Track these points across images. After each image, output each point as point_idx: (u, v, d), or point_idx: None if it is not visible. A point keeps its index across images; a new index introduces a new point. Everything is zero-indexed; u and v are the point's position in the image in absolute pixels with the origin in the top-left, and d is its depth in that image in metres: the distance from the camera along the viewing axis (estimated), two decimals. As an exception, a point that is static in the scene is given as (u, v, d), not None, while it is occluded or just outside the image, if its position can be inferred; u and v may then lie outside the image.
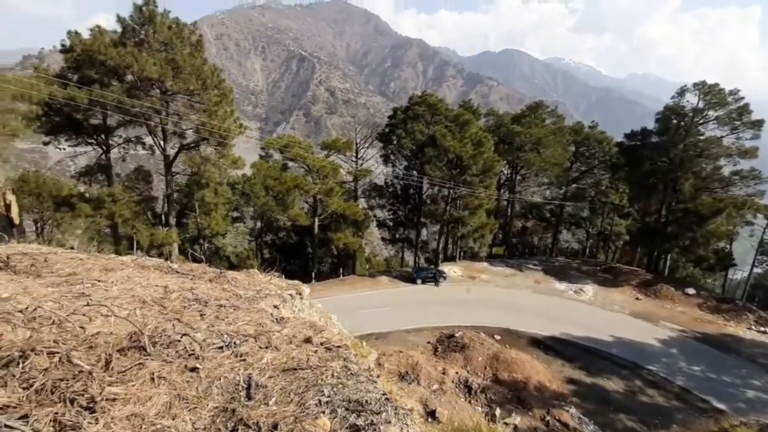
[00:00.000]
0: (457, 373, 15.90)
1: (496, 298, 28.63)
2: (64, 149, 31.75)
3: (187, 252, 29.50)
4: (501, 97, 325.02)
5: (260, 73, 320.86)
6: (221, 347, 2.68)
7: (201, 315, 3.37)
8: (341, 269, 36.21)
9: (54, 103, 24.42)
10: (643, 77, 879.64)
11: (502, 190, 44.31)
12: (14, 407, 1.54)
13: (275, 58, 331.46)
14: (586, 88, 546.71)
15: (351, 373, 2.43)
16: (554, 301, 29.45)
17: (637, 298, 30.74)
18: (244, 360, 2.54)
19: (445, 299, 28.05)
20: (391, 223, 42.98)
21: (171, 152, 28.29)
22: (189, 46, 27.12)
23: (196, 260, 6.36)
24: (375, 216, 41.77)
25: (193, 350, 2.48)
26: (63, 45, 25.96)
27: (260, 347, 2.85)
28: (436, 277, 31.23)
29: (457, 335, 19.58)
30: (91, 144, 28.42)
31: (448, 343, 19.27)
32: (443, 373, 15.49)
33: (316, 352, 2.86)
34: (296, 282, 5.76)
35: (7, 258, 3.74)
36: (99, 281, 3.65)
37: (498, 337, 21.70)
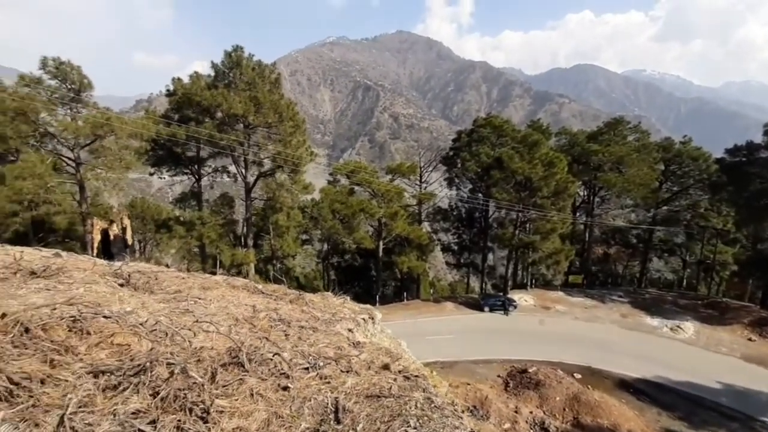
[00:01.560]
0: (531, 412, 14.65)
1: (574, 332, 26.20)
2: (165, 178, 36.48)
3: (262, 271, 31.61)
4: (573, 115, 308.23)
5: (328, 104, 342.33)
6: (307, 368, 2.79)
7: (285, 335, 3.56)
8: (405, 293, 36.03)
9: (159, 139, 28.35)
10: (744, 85, 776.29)
11: (577, 213, 41.26)
12: (144, 413, 1.76)
13: (342, 89, 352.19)
14: (674, 100, 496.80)
15: (435, 406, 2.38)
16: (645, 338, 26.12)
17: (750, 339, 26.10)
18: (329, 383, 2.61)
19: (515, 330, 26.36)
20: (455, 247, 42.07)
21: (251, 179, 31.06)
22: (269, 84, 30.09)
23: (276, 281, 6.78)
24: (439, 240, 41.25)
25: (283, 369, 2.62)
26: (168, 89, 30.49)
27: (342, 371, 2.92)
28: (505, 306, 29.61)
29: (530, 370, 18.16)
30: (186, 173, 32.36)
31: (520, 379, 17.93)
32: (516, 412, 14.37)
33: (395, 380, 2.85)
34: (368, 306, 5.85)
35: (128, 276, 4.33)
36: (199, 299, 4.05)
37: (578, 376, 19.68)
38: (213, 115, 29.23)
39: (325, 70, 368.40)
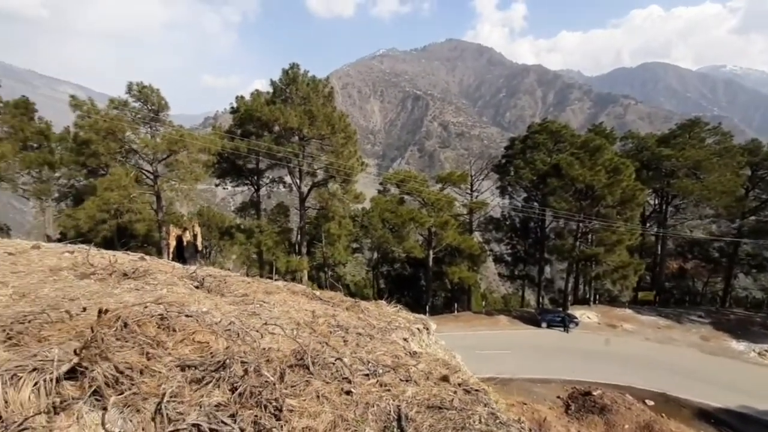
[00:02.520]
0: (595, 438, 13.52)
1: (645, 354, 23.89)
2: (228, 189, 39.23)
3: (314, 278, 32.66)
4: (640, 117, 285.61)
5: (378, 114, 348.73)
6: (367, 374, 2.83)
7: (344, 341, 3.64)
8: (455, 304, 35.23)
9: (224, 153, 30.62)
10: None
11: (648, 224, 37.90)
12: (225, 406, 1.90)
13: (392, 99, 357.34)
14: (760, 97, 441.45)
15: (500, 422, 2.30)
16: (729, 364, 23.15)
17: None
18: (389, 390, 2.63)
19: (577, 348, 24.61)
20: (509, 258, 40.44)
21: (305, 189, 32.42)
22: (322, 98, 31.45)
23: (332, 288, 6.97)
24: (491, 250, 39.96)
25: (344, 374, 2.68)
26: (232, 107, 33.02)
27: (400, 380, 2.92)
28: (565, 322, 27.81)
29: (595, 393, 16.81)
30: (247, 184, 34.58)
31: (583, 402, 16.66)
32: (578, 436, 13.35)
33: (455, 392, 2.80)
34: (422, 316, 5.82)
35: (202, 279, 4.70)
36: (264, 303, 4.29)
37: (651, 403, 17.86)
38: (271, 129, 31.07)
39: (375, 82, 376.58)
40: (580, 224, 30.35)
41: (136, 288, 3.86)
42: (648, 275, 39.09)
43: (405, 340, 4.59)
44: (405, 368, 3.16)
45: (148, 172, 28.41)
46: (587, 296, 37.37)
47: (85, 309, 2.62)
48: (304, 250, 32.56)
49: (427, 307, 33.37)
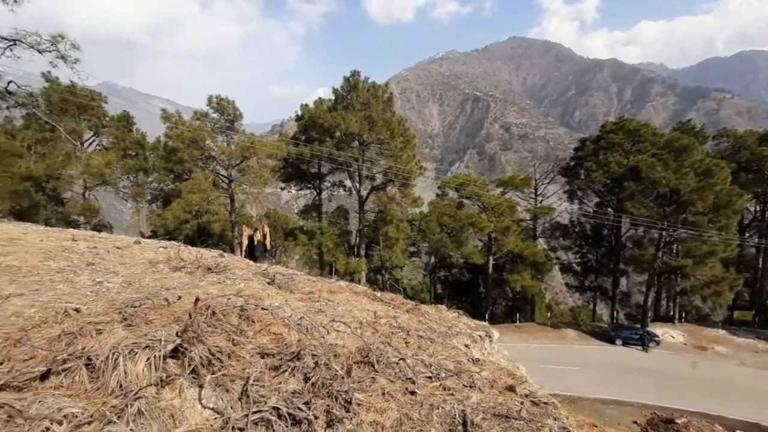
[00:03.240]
0: (680, 472, 12.05)
1: (740, 381, 20.83)
2: (292, 192, 41.47)
3: (371, 280, 33.21)
4: (738, 112, 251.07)
5: (437, 118, 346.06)
6: (430, 377, 2.84)
7: (406, 342, 3.68)
8: (517, 314, 33.64)
9: (289, 158, 32.47)
10: None
11: (747, 233, 33.12)
12: (300, 394, 2.04)
13: (451, 102, 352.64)
14: None
15: (573, 438, 2.18)
16: None
17: None
18: (453, 394, 2.62)
19: (657, 370, 22.18)
20: (578, 268, 37.63)
21: (364, 193, 33.20)
22: (381, 103, 32.08)
23: (393, 290, 7.07)
24: (558, 258, 37.55)
25: (408, 375, 2.72)
26: (296, 115, 34.97)
27: (464, 385, 2.89)
28: (643, 340, 25.23)
29: (678, 421, 15.03)
30: (309, 188, 36.32)
31: (664, 430, 14.97)
32: (658, 467, 12.01)
33: (522, 403, 2.70)
34: (484, 323, 5.67)
35: (273, 276, 5.05)
36: (329, 301, 4.48)
37: (747, 437, 15.55)
38: (333, 135, 32.34)
39: (434, 86, 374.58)
40: (664, 232, 27.35)
41: (218, 281, 4.26)
42: (746, 292, 34.06)
43: (466, 346, 4.51)
44: (468, 374, 3.11)
45: (224, 176, 31.05)
46: (671, 313, 33.47)
47: (180, 297, 2.96)
48: (362, 252, 33.31)
49: (487, 315, 32.27)
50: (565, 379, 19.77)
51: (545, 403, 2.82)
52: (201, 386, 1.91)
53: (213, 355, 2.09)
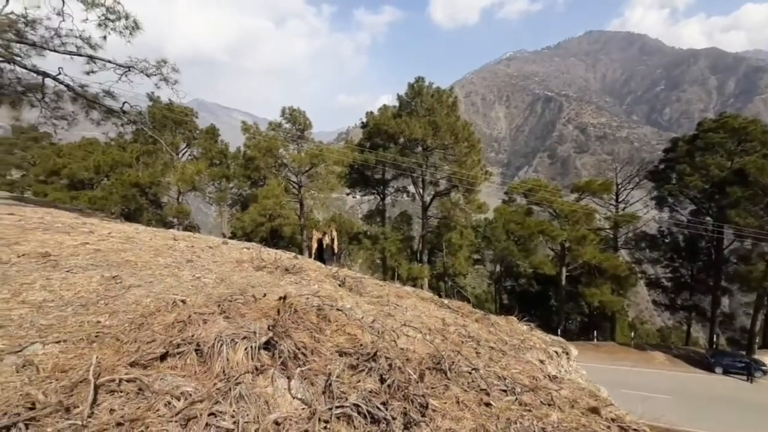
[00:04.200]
0: None
1: None
2: (356, 197, 42.73)
3: (434, 287, 32.86)
4: None
5: (503, 121, 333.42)
6: (504, 390, 2.75)
7: (476, 353, 3.60)
8: (594, 332, 30.93)
9: (354, 164, 33.57)
10: None
11: None
12: (376, 394, 2.11)
13: (519, 104, 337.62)
14: None
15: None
16: None
17: None
18: (530, 411, 2.51)
19: (764, 404, 18.93)
20: (668, 284, 33.44)
21: (427, 199, 33.12)
22: (446, 108, 31.86)
23: (462, 298, 6.96)
24: (643, 272, 33.83)
25: (481, 386, 2.66)
26: (362, 122, 36.08)
27: (541, 402, 2.75)
28: (749, 369, 21.75)
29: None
30: (373, 193, 37.18)
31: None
32: None
33: (609, 427, 2.49)
34: (561, 339, 5.33)
35: (344, 279, 5.25)
36: (397, 305, 4.55)
37: None
38: (397, 141, 32.81)
39: (500, 87, 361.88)
40: (779, 246, 23.39)
41: (295, 282, 4.55)
42: None
43: (541, 362, 4.28)
44: (545, 391, 2.95)
45: (294, 182, 33.05)
46: (789, 341, 28.37)
47: (265, 295, 3.23)
48: (425, 258, 33.17)
49: (559, 331, 30.11)
50: (653, 408, 17.68)
51: (635, 430, 2.57)
52: (289, 378, 2.07)
53: (299, 349, 2.25)
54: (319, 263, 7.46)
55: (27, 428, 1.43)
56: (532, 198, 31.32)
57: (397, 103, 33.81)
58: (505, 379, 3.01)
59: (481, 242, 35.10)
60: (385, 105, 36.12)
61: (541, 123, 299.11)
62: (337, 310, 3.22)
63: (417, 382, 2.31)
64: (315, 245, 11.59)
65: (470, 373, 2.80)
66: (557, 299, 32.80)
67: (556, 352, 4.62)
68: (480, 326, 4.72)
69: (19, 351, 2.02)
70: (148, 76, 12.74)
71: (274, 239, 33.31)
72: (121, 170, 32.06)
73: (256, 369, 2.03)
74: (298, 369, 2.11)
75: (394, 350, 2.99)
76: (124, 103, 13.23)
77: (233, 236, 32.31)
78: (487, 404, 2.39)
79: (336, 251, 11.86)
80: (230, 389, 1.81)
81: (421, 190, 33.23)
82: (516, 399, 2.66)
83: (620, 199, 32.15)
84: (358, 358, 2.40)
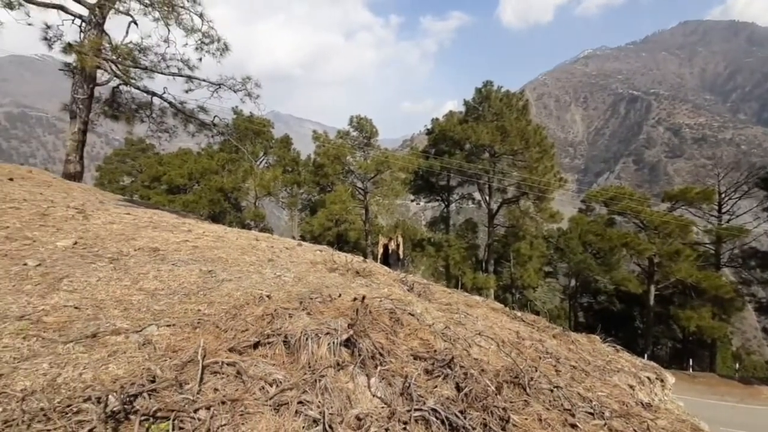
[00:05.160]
0: None
1: None
2: (420, 204, 42.62)
3: (500, 298, 31.44)
4: None
5: (580, 124, 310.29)
6: (591, 413, 2.54)
7: (556, 371, 3.37)
8: (690, 360, 27.15)
9: (419, 171, 33.64)
10: None
11: None
12: (453, 402, 2.07)
13: (598, 105, 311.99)
14: None
15: None
16: None
17: None
18: (622, 439, 2.28)
19: None
20: (784, 309, 28.37)
21: (494, 206, 31.97)
22: (515, 112, 30.64)
23: (535, 312, 6.59)
24: (753, 295, 28.98)
25: (564, 405, 2.48)
26: (427, 129, 36.10)
27: (635, 430, 2.48)
28: None
29: None
30: (437, 200, 36.90)
31: None
32: None
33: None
34: (654, 364, 4.79)
35: (412, 284, 5.27)
36: (467, 314, 4.44)
37: None
38: (462, 147, 32.26)
39: (576, 88, 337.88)
40: None
41: (366, 284, 4.67)
42: None
43: (631, 387, 3.87)
44: (639, 419, 2.66)
45: (360, 188, 34.03)
46: None
47: (340, 295, 3.36)
48: (491, 268, 31.96)
49: (646, 356, 26.93)
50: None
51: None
52: (368, 376, 2.13)
53: (376, 349, 2.31)
54: (386, 268, 7.57)
55: (150, 397, 1.66)
56: (614, 207, 28.53)
57: (463, 109, 33.33)
58: (590, 401, 2.78)
59: (554, 254, 32.86)
60: (450, 111, 35.83)
61: (624, 125, 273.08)
62: (409, 314, 3.24)
63: (495, 394, 2.22)
64: (381, 250, 11.79)
65: (551, 391, 2.62)
66: (644, 321, 29.34)
67: (648, 378, 4.15)
68: (558, 343, 4.41)
69: (140, 331, 2.34)
70: (234, 91, 14.05)
71: (339, 243, 34.52)
72: (209, 177, 35.71)
73: (338, 364, 2.12)
74: (378, 368, 2.16)
75: (468, 359, 2.92)
76: (214, 116, 14.74)
77: (302, 239, 34.17)
78: (573, 425, 2.22)
79: (401, 257, 11.94)
80: (316, 381, 1.91)
81: (487, 198, 32.18)
82: (605, 424, 2.44)
83: (723, 210, 27.95)
84: (433, 364, 2.38)
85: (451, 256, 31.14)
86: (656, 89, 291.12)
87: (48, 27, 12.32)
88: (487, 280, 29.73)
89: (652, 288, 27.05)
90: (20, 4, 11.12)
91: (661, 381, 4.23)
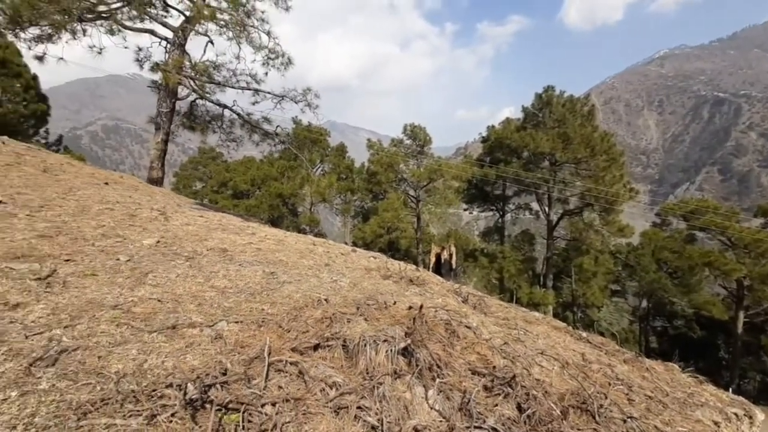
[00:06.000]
0: None
1: None
2: (473, 213, 41.63)
3: (559, 316, 29.52)
4: None
5: (654, 129, 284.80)
6: (672, 452, 2.27)
7: (628, 399, 3.08)
8: (787, 399, 23.46)
9: (473, 179, 32.94)
10: None
11: None
12: (515, 423, 1.97)
13: (676, 109, 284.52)
14: None
15: None
16: None
17: None
18: (712, 486, 2.01)
19: None
20: None
21: (554, 218, 30.28)
22: (580, 118, 28.96)
23: (601, 333, 6.11)
24: None
25: (641, 440, 2.25)
26: (482, 136, 35.28)
27: (727, 478, 2.18)
28: None
29: None
30: (492, 209, 35.81)
31: None
32: None
33: None
34: (742, 399, 4.21)
35: (467, 296, 5.13)
36: (527, 331, 4.22)
37: None
38: (520, 155, 31.07)
39: (650, 91, 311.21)
40: None
41: (419, 293, 4.63)
42: None
43: (716, 423, 3.42)
44: (731, 464, 2.34)
45: (413, 197, 34.04)
46: None
47: (395, 303, 3.36)
48: (549, 283, 30.20)
49: (731, 389, 23.69)
50: None
51: None
52: (426, 387, 2.10)
53: (434, 360, 2.27)
54: (439, 278, 7.47)
55: (222, 389, 1.78)
56: (694, 222, 25.64)
57: (520, 116, 32.16)
58: (671, 438, 2.49)
59: (622, 271, 30.24)
60: (507, 118, 34.74)
61: (708, 130, 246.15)
62: (466, 327, 3.15)
63: (561, 419, 2.08)
64: (433, 259, 11.66)
65: (624, 421, 2.39)
66: (729, 351, 25.86)
67: (736, 415, 3.64)
68: (630, 369, 4.03)
69: (212, 325, 2.53)
70: (296, 102, 14.82)
71: (390, 250, 34.70)
72: (269, 183, 37.86)
73: (395, 372, 2.12)
74: (437, 381, 2.12)
75: (529, 379, 2.76)
76: (276, 126, 15.65)
77: (354, 245, 34.85)
78: (652, 464, 2.00)
79: (454, 267, 11.72)
80: (374, 388, 1.92)
81: (546, 208, 30.58)
82: (691, 466, 2.17)
83: (838, 229, 23.92)
84: (492, 380, 2.29)
85: (505, 268, 29.90)
86: (747, 90, 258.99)
87: (140, 49, 13.95)
88: (546, 295, 28.08)
89: (741, 314, 23.77)
90: (119, 31, 12.72)
91: (750, 418, 3.68)
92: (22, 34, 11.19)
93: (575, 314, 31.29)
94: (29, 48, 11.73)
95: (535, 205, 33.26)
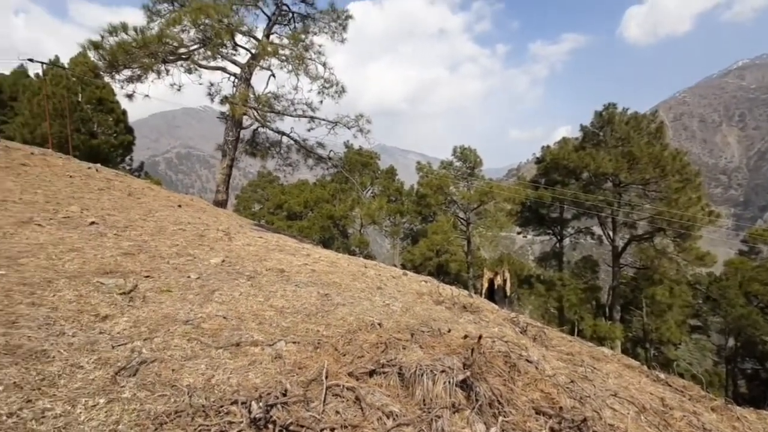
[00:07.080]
0: None
1: None
2: (528, 237, 39.77)
3: (628, 353, 26.74)
4: None
5: (735, 147, 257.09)
6: None
7: (723, 456, 2.67)
8: None
9: (527, 202, 31.66)
10: None
11: None
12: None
13: (761, 124, 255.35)
14: None
15: None
16: None
17: None
18: None
19: None
20: None
21: (620, 243, 28.02)
22: (647, 135, 27.04)
23: (682, 376, 5.46)
24: None
25: None
26: (536, 157, 34.04)
27: None
28: None
29: None
30: (548, 233, 33.96)
31: None
32: None
33: None
34: None
35: (525, 326, 4.84)
36: (594, 368, 3.86)
37: None
38: (579, 176, 29.46)
39: (728, 105, 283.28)
40: None
41: (473, 321, 4.46)
42: None
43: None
44: None
45: (463, 219, 33.39)
46: None
47: (449, 330, 3.26)
48: (616, 315, 27.66)
49: None
50: None
51: None
52: (486, 425, 1.98)
53: (495, 396, 2.15)
54: (494, 305, 7.16)
55: (282, 409, 1.81)
56: (791, 250, 22.39)
57: (578, 135, 30.67)
58: None
59: (703, 304, 26.94)
60: (564, 138, 33.29)
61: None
62: (527, 361, 2.96)
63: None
64: (486, 284, 11.22)
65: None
66: None
67: None
68: (719, 418, 3.52)
69: (272, 345, 2.61)
70: (348, 128, 15.42)
71: (440, 274, 34.01)
72: (321, 205, 39.26)
73: (453, 406, 2.03)
74: (500, 419, 1.99)
75: (601, 424, 2.51)
76: (330, 151, 16.34)
77: (404, 267, 34.66)
78: None
79: (508, 293, 11.17)
80: (432, 421, 1.85)
81: (611, 233, 28.39)
82: None
83: None
84: (560, 422, 2.11)
85: (565, 296, 27.92)
86: None
87: (211, 84, 15.46)
88: (613, 329, 25.67)
89: None
90: (196, 69, 14.24)
91: None
92: (117, 76, 12.94)
93: (648, 351, 28.16)
94: (122, 87, 13.50)
95: (597, 230, 31.08)
